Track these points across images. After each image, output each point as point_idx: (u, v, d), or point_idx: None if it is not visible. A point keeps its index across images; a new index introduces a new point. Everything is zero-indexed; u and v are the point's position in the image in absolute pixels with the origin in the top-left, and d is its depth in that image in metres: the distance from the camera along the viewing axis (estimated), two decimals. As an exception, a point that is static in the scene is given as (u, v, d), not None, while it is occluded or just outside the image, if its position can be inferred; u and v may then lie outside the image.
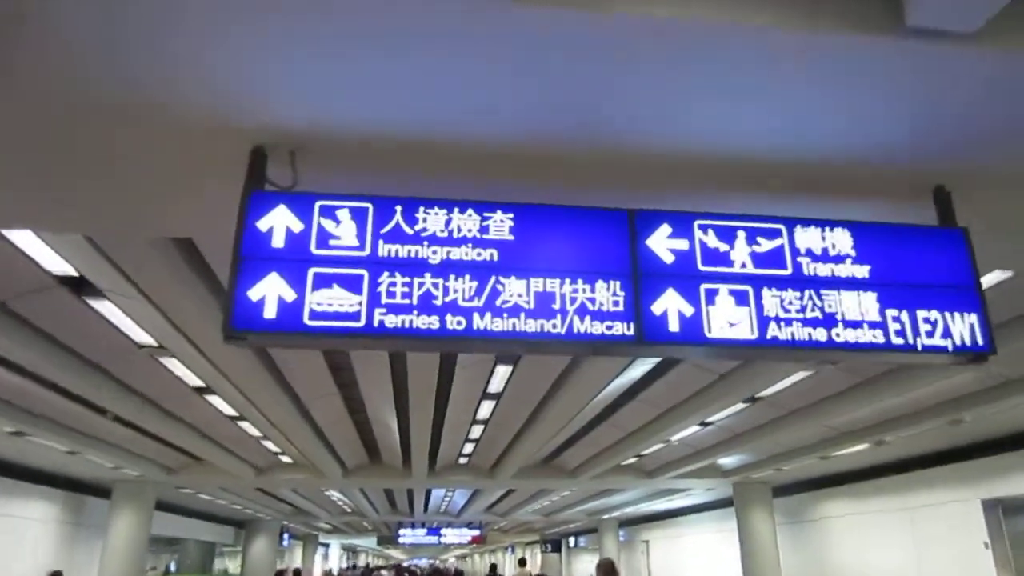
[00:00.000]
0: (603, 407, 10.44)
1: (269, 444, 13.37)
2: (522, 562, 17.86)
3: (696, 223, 3.33)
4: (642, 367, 8.56)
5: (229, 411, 10.52)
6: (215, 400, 9.86)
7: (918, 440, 11.02)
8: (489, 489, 19.96)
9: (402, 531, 32.29)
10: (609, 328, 3.07)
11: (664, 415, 10.76)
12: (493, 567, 21.44)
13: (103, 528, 15.12)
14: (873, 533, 13.93)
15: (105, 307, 6.23)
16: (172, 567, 24.19)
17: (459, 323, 2.99)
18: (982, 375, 7.88)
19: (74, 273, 5.49)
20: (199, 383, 8.93)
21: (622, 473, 16.03)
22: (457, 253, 3.12)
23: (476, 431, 12.67)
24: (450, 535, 32.04)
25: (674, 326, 3.11)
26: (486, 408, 10.89)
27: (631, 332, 3.07)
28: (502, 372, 8.91)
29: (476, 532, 31.68)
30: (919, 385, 8.08)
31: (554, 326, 3.04)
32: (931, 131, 3.28)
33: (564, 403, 9.49)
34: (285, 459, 15.26)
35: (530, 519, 29.57)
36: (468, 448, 14.38)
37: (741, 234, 3.34)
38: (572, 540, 37.28)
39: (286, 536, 31.34)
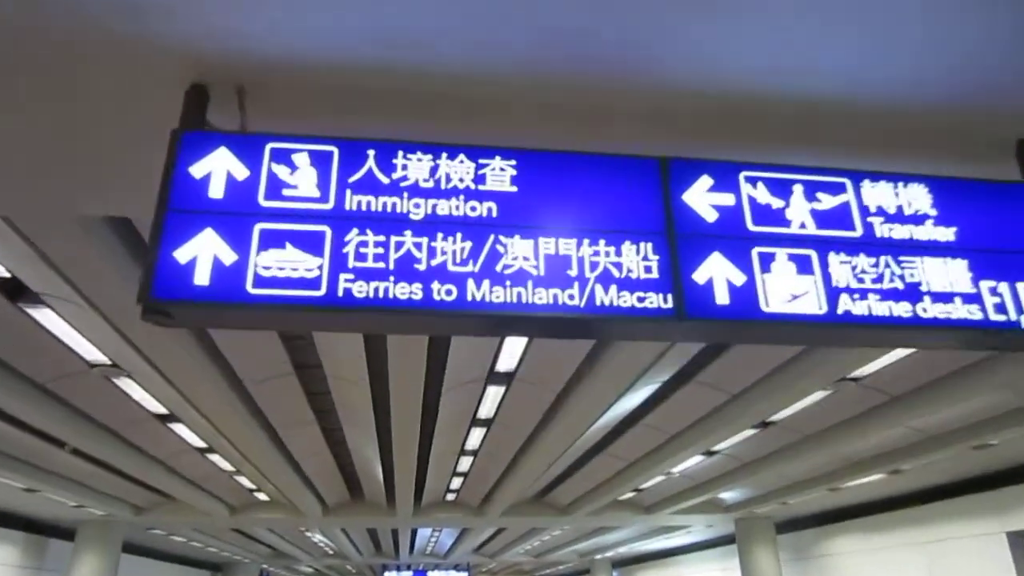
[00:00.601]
0: (603, 434, 9.71)
1: (243, 480, 12.53)
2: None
3: (742, 174, 2.68)
4: (646, 388, 7.86)
5: (197, 442, 9.74)
6: (181, 429, 9.07)
7: (937, 468, 10.30)
8: (478, 528, 19.06)
9: (387, 574, 31.79)
10: (641, 300, 2.39)
11: (668, 442, 10.00)
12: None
13: (67, 573, 14.20)
14: (886, 570, 13.11)
15: (46, 316, 5.51)
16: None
17: (448, 293, 2.32)
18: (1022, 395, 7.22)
19: (4, 273, 4.78)
20: (161, 409, 8.16)
21: (619, 509, 15.23)
22: (445, 207, 2.45)
23: (465, 463, 11.88)
24: (437, 577, 31.39)
25: (722, 298, 2.44)
26: (476, 436, 10.13)
27: (669, 305, 2.40)
28: (493, 394, 8.17)
29: (464, 574, 31.09)
30: (946, 404, 7.40)
31: (571, 297, 2.37)
32: (1017, 70, 2.68)
33: (561, 429, 8.73)
34: (261, 496, 14.42)
35: (520, 560, 28.77)
36: (456, 483, 13.57)
37: (798, 188, 2.70)
38: (563, 581, 36.31)
39: (266, 580, 30.27)
